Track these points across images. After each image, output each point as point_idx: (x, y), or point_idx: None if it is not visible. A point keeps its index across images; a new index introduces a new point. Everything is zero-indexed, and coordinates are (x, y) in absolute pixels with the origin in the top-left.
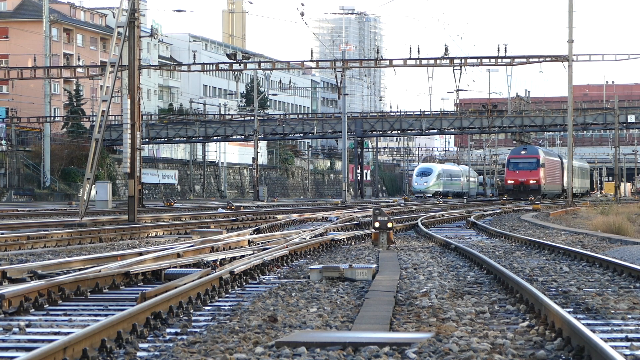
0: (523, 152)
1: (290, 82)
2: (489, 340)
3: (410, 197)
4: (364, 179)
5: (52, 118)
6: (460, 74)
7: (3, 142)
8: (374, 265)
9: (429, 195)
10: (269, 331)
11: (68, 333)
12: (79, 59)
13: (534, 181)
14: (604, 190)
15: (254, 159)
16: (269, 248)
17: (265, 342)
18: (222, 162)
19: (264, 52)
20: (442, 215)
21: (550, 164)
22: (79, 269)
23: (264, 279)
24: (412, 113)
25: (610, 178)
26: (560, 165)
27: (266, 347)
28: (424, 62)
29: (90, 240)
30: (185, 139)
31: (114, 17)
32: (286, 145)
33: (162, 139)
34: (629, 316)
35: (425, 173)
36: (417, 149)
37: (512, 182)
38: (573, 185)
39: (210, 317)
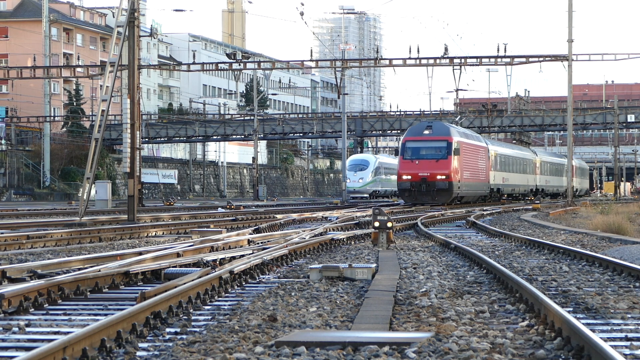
0: (426, 132)
1: (290, 82)
2: (488, 340)
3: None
4: None
5: (52, 118)
6: (460, 73)
7: (3, 141)
8: (374, 265)
9: (365, 195)
10: (268, 331)
11: (68, 332)
12: (78, 59)
13: (443, 177)
14: (604, 189)
15: (253, 158)
16: (269, 247)
17: (265, 341)
18: (222, 162)
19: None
20: (442, 214)
21: (470, 151)
22: (79, 269)
23: (263, 278)
24: (411, 113)
25: (610, 178)
26: (486, 153)
27: (266, 347)
28: (424, 61)
29: (90, 239)
30: (185, 138)
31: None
32: (286, 144)
33: (162, 139)
34: (629, 316)
35: (359, 167)
36: None
37: (409, 177)
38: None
39: (210, 317)
